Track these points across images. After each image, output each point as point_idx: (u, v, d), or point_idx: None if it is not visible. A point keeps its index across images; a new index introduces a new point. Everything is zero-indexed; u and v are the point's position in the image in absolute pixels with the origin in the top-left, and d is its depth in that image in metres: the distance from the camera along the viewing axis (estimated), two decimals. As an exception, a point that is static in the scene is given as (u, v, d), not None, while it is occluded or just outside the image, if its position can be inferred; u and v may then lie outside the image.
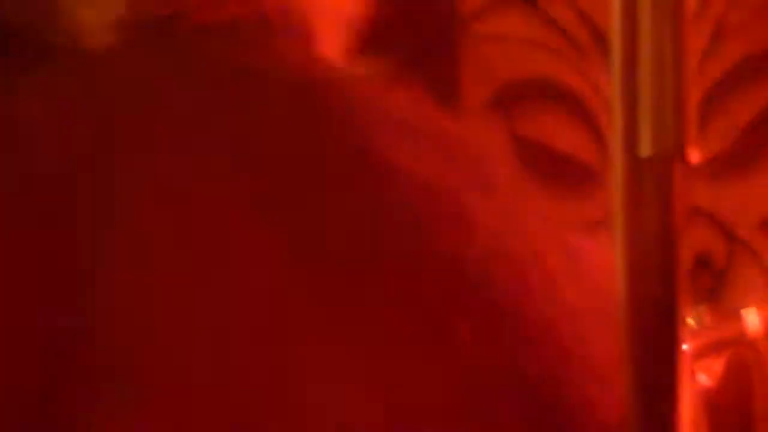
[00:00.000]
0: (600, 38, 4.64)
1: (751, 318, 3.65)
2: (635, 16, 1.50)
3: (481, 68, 5.41)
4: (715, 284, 5.34)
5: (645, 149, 1.51)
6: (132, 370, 2.23)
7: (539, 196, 2.62)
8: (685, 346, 3.47)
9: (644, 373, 1.54)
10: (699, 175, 5.33)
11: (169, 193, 2.27)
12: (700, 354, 3.66)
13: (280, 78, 2.33)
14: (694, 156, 1.52)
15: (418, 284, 2.29)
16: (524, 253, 2.42)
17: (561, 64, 5.39)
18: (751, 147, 5.37)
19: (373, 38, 3.03)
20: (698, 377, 3.65)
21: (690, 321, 3.66)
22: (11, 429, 2.26)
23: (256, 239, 2.26)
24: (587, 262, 2.40)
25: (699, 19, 5.28)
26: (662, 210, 1.52)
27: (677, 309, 1.55)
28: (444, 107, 3.17)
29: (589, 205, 4.99)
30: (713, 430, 3.08)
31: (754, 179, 5.37)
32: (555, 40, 5.39)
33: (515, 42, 5.42)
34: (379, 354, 2.28)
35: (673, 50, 1.51)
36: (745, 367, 4.77)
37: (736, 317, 3.71)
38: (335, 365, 2.27)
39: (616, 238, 1.53)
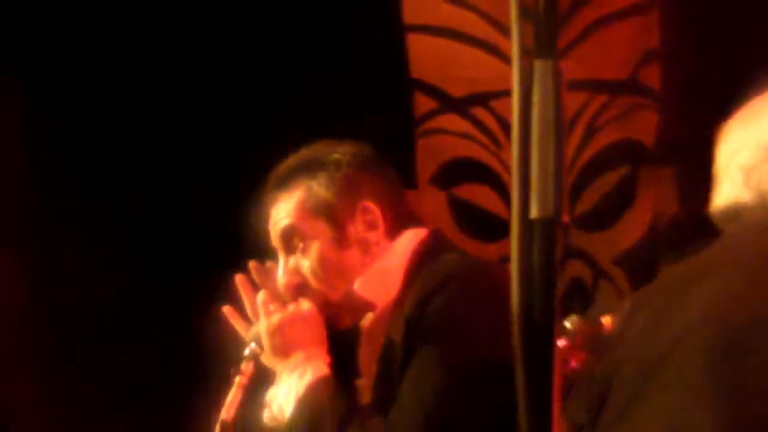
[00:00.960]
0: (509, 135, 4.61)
1: (608, 323, 3.68)
2: (529, 121, 1.52)
3: (426, 154, 5.41)
4: (584, 302, 5.29)
5: (534, 212, 1.51)
6: None
7: None
8: (560, 342, 3.49)
9: (531, 360, 1.53)
10: (575, 228, 5.31)
11: None
12: (574, 346, 3.67)
13: None
14: (566, 219, 1.53)
15: None
16: None
17: (483, 151, 5.37)
18: (610, 209, 5.35)
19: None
20: (570, 364, 3.66)
21: (567, 325, 3.68)
22: None
23: None
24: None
25: (577, 122, 5.28)
26: (545, 254, 1.54)
27: (554, 319, 1.55)
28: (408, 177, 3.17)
29: (503, 247, 4.92)
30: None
31: (612, 231, 5.35)
32: (479, 133, 5.38)
33: (450, 134, 5.40)
34: None
35: (555, 145, 1.53)
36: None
37: (597, 323, 3.73)
38: None
39: (514, 271, 1.55)
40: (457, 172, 5.39)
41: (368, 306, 3.02)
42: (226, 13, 5.18)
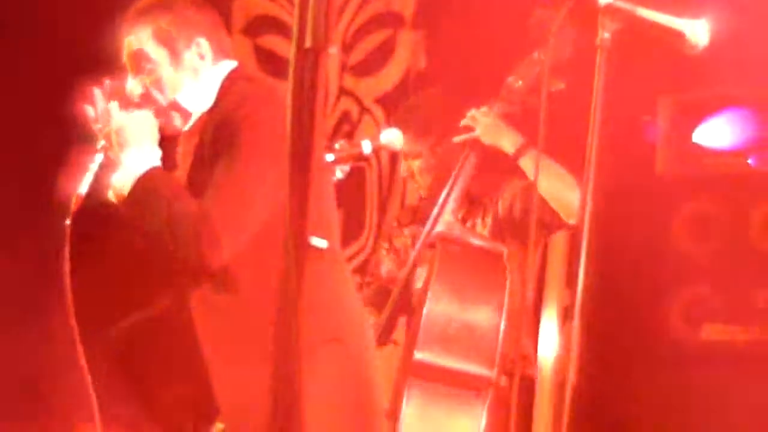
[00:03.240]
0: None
1: (366, 145, 3.73)
2: None
3: (240, 10, 5.41)
4: (351, 129, 5.36)
5: (308, 43, 1.53)
6: None
7: None
8: (330, 156, 3.47)
9: (297, 157, 1.51)
10: (347, 73, 5.36)
11: None
12: (339, 161, 3.72)
13: None
14: (333, 49, 1.54)
15: None
16: None
17: (282, 10, 5.38)
18: (374, 61, 5.41)
19: None
20: (336, 174, 3.71)
21: (336, 146, 3.72)
22: None
23: None
24: None
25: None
26: (314, 75, 1.53)
27: (315, 123, 1.52)
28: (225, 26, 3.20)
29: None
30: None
31: (375, 77, 5.41)
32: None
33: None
34: None
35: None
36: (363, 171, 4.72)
37: (358, 145, 3.79)
38: None
39: (289, 91, 1.54)
40: (261, 26, 5.41)
41: (188, 114, 3.05)
42: None
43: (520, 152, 3.88)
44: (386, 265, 4.25)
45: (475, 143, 3.94)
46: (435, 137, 4.08)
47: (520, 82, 3.94)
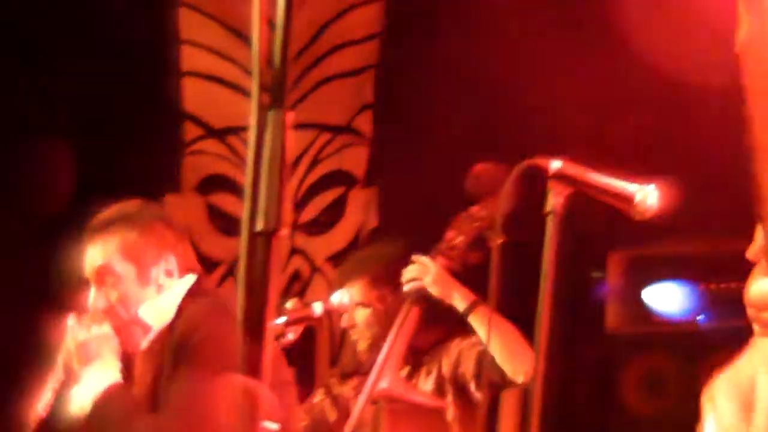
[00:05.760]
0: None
1: (317, 307, 3.68)
2: (260, 156, 1.50)
3: (191, 169, 5.42)
4: (302, 288, 5.32)
5: (258, 226, 1.51)
6: None
7: None
8: (280, 320, 3.41)
9: (252, 334, 1.50)
10: (299, 231, 5.35)
11: None
12: (290, 323, 3.66)
13: None
14: (285, 232, 1.51)
15: None
16: None
17: (234, 169, 5.39)
18: (325, 220, 5.41)
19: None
20: (288, 336, 3.64)
21: (287, 305, 3.66)
22: None
23: None
24: None
25: (306, 153, 5.34)
26: (265, 259, 1.51)
27: (265, 314, 1.52)
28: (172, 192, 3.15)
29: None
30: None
31: (326, 236, 5.40)
32: (232, 156, 5.39)
33: (210, 155, 5.41)
34: None
35: (278, 175, 1.50)
36: (313, 331, 4.67)
37: (309, 306, 3.73)
38: None
39: (239, 272, 1.53)
40: (213, 184, 5.41)
41: (148, 328, 2.99)
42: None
43: (471, 308, 3.72)
44: (321, 410, 4.11)
45: (421, 294, 3.78)
46: (390, 288, 3.94)
47: (461, 237, 3.80)
